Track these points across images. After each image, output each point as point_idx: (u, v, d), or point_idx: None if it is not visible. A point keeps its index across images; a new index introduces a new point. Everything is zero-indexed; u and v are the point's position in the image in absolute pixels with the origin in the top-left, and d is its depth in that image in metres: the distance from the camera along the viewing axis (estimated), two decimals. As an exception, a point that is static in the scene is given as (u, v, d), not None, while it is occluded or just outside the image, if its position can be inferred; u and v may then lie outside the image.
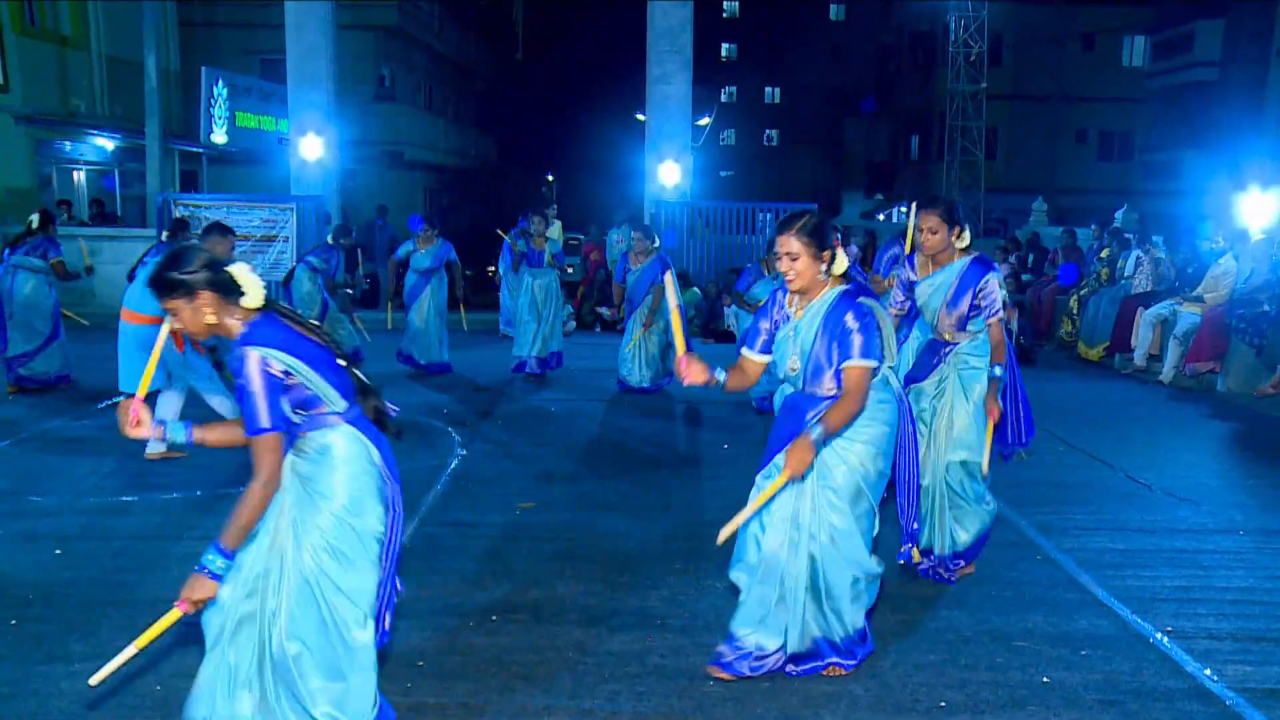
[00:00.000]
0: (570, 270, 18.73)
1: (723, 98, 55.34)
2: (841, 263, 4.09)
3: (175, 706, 3.97)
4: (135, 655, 3.39)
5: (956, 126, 33.87)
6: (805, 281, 4.09)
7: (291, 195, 17.53)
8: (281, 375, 3.20)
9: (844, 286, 4.11)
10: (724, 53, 58.11)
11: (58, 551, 5.77)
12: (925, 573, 5.42)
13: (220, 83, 22.40)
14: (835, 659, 4.24)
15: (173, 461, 7.77)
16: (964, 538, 5.38)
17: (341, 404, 3.35)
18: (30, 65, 20.93)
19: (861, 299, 4.04)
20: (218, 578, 3.25)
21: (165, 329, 3.57)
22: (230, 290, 3.26)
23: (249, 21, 26.76)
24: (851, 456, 4.12)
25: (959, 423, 5.27)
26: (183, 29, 25.75)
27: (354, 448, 3.37)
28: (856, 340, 3.95)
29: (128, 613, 4.86)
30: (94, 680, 3.33)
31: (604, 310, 16.37)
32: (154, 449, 7.73)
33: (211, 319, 3.25)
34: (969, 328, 5.28)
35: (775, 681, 4.24)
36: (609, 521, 6.46)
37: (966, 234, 5.30)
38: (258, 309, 3.27)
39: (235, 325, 3.24)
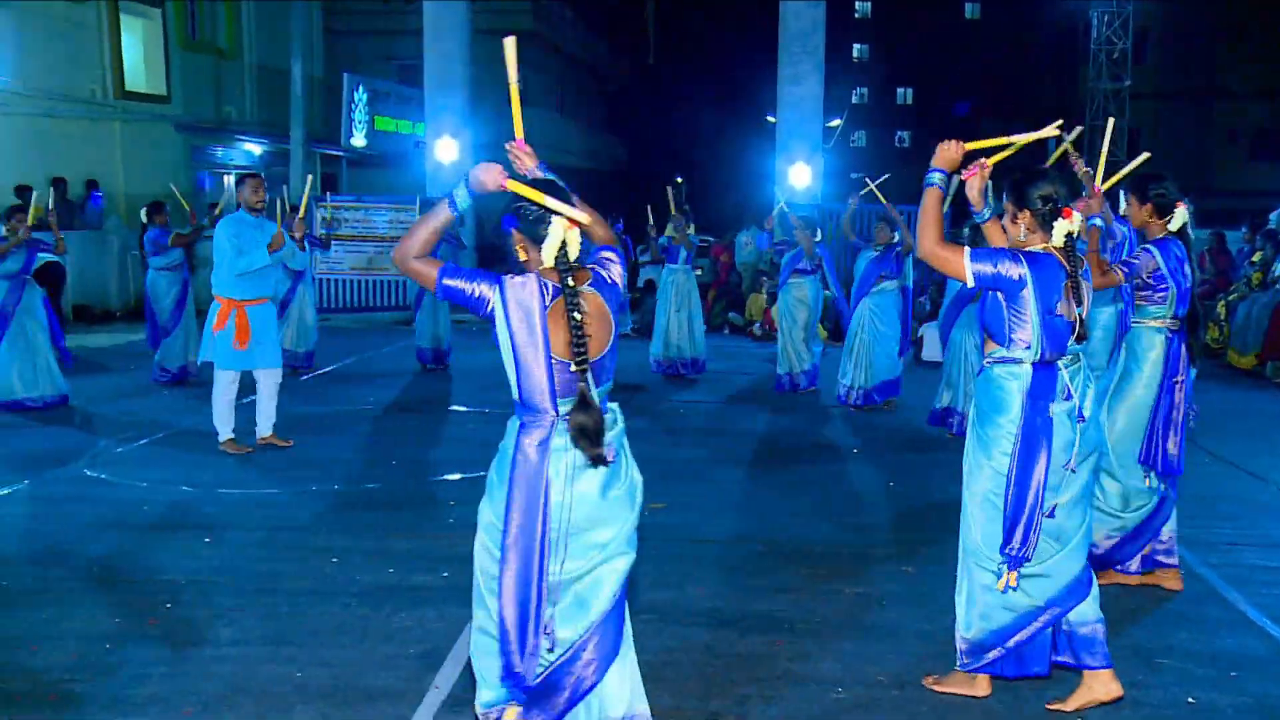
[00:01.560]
0: (699, 272, 18.75)
1: (854, 99, 54.71)
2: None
3: (319, 690, 4.12)
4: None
5: (1098, 126, 32.87)
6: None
7: (426, 196, 17.93)
8: None
9: None
10: (856, 53, 57.44)
11: (206, 540, 6.01)
12: None
13: (361, 88, 23.11)
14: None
15: (308, 456, 8.04)
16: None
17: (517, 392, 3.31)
18: (189, 76, 21.94)
19: None
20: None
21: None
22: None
23: (389, 29, 27.52)
24: None
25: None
26: (327, 37, 26.65)
27: (510, 428, 3.34)
28: None
29: (271, 601, 5.05)
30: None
31: (734, 316, 16.35)
32: (264, 433, 8.13)
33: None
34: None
35: (905, 690, 4.19)
36: (738, 524, 6.46)
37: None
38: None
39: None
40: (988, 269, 3.82)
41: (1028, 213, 3.93)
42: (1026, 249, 3.91)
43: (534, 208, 3.17)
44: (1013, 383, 3.90)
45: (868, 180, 10.32)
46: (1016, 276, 3.82)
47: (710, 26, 48.70)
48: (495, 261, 20.58)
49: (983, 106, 49.93)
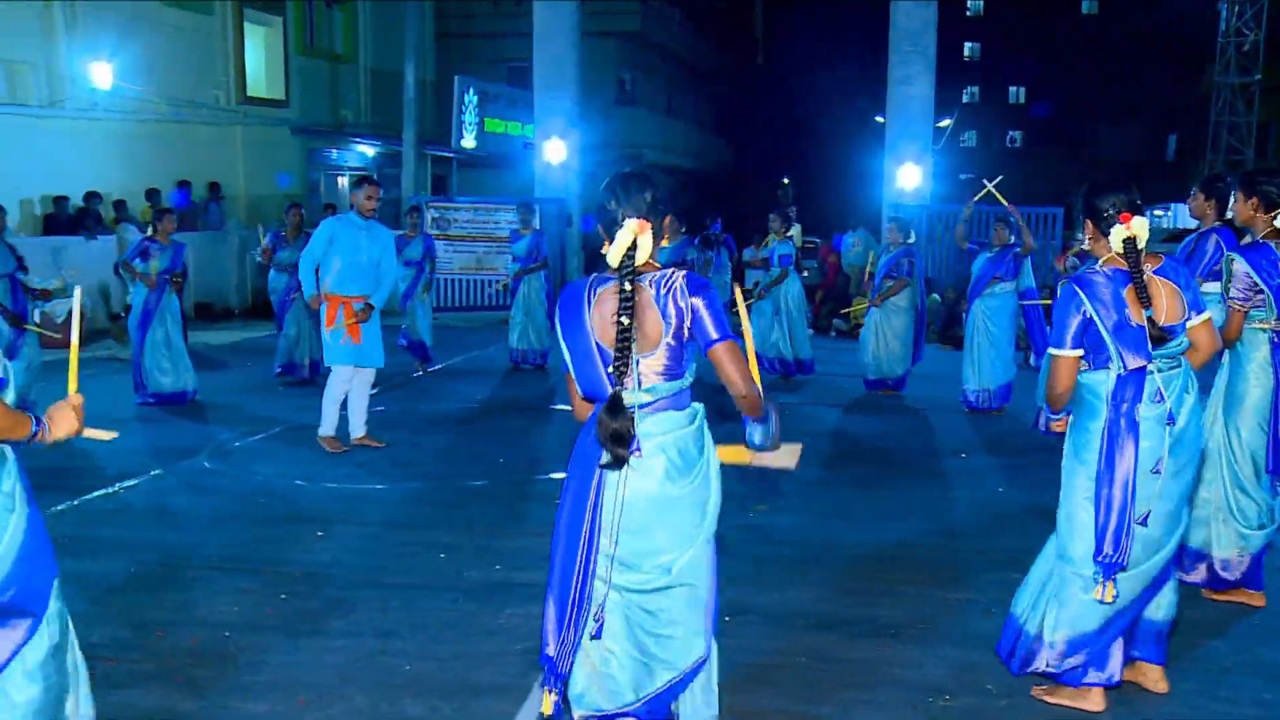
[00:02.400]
0: (806, 274, 18.65)
1: (964, 98, 53.77)
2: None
3: (427, 683, 4.21)
4: None
5: (1223, 123, 31.76)
6: None
7: (535, 197, 18.14)
8: None
9: None
10: (967, 52, 56.42)
11: (319, 534, 6.17)
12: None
13: (471, 90, 23.49)
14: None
15: (418, 452, 8.20)
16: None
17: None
18: (307, 81, 22.57)
19: None
20: None
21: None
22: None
23: (499, 31, 27.92)
24: None
25: None
26: (438, 41, 27.13)
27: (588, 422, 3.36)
28: None
29: (382, 595, 5.17)
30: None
31: (840, 322, 16.22)
32: (358, 433, 8.24)
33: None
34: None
35: (1014, 699, 4.13)
36: (843, 528, 6.42)
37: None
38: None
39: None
40: (1074, 331, 3.87)
41: (1089, 223, 3.97)
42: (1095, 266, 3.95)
43: (612, 211, 3.20)
44: (1099, 389, 3.90)
45: (985, 181, 10.15)
46: (1084, 315, 3.85)
47: (819, 27, 48.32)
48: (600, 261, 20.70)
49: (1098, 105, 48.68)
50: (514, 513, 6.66)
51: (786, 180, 46.01)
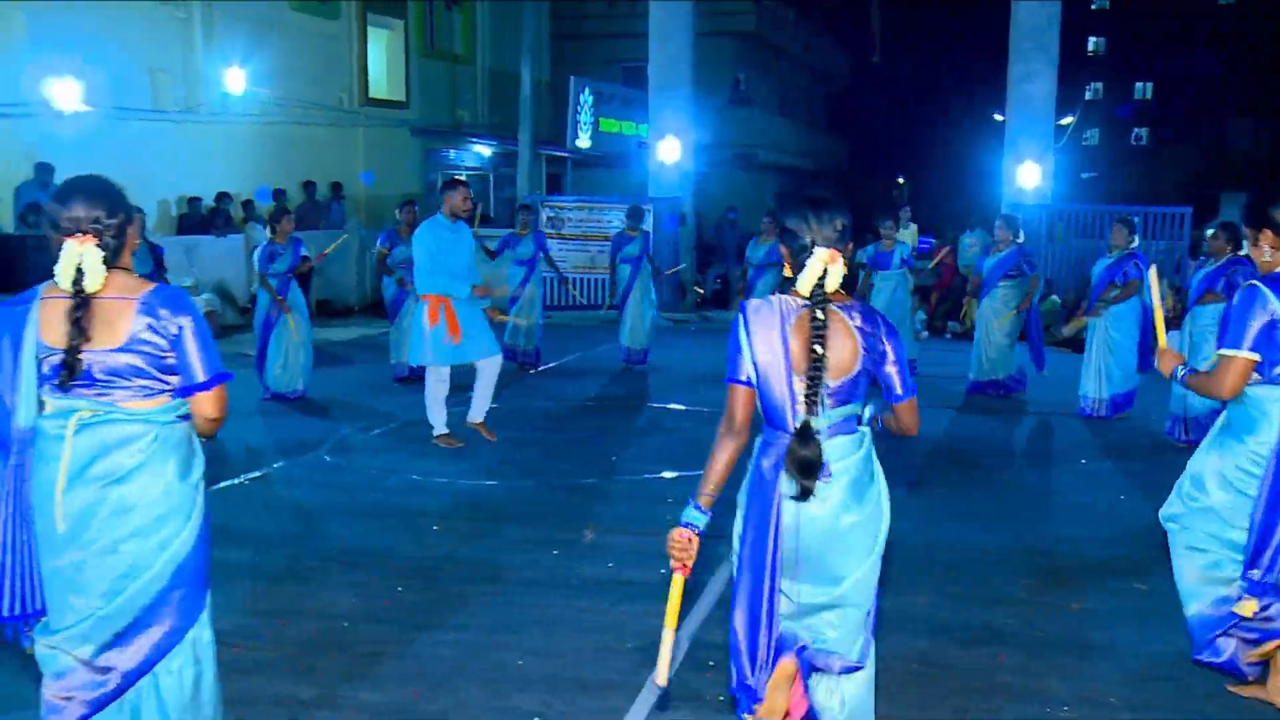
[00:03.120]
0: (922, 275, 18.40)
1: (1087, 95, 52.38)
2: None
3: (538, 678, 4.26)
4: (674, 634, 3.31)
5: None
6: None
7: (649, 197, 18.20)
8: None
9: None
10: (1091, 47, 54.97)
11: (435, 528, 6.30)
12: None
13: (586, 91, 23.68)
14: None
15: (529, 450, 8.30)
16: None
17: None
18: (427, 82, 23.03)
19: None
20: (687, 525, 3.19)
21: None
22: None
23: (614, 32, 28.09)
24: None
25: None
26: (554, 41, 27.40)
27: (757, 444, 3.30)
28: None
29: (494, 589, 5.26)
30: (660, 680, 3.27)
31: (954, 324, 15.94)
32: (477, 419, 8.32)
33: None
34: None
35: (1137, 713, 4.03)
36: (955, 531, 6.32)
37: None
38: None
39: None
40: (1255, 332, 3.77)
41: (1268, 232, 3.86)
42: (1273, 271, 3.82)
43: (801, 238, 3.16)
44: (1272, 406, 3.78)
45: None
46: (1270, 317, 3.74)
47: (938, 24, 47.62)
48: (711, 262, 20.72)
49: (1230, 101, 46.94)
50: (625, 511, 6.71)
51: (901, 180, 45.45)
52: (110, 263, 3.01)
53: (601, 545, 5.94)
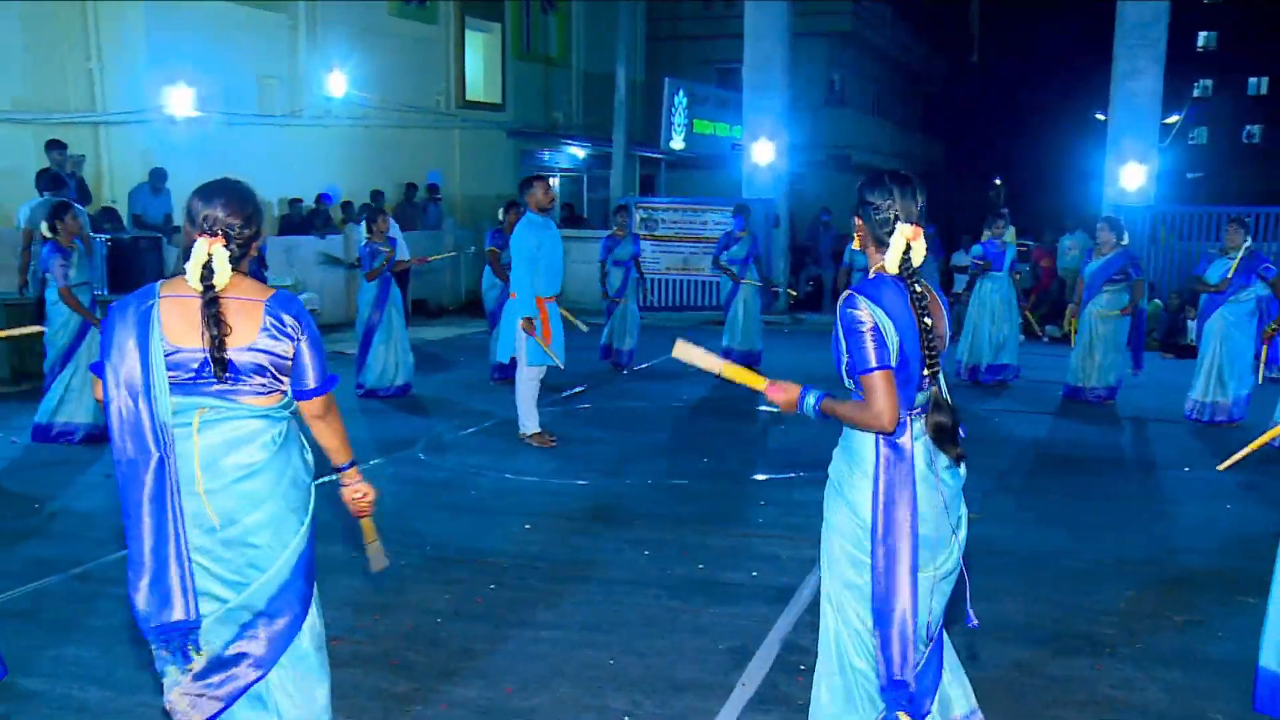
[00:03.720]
0: (1018, 277, 18.09)
1: (1195, 92, 50.93)
2: None
3: (630, 678, 4.28)
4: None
5: None
6: None
7: (742, 198, 18.14)
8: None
9: None
10: (1201, 42, 53.39)
11: (527, 526, 6.35)
12: None
13: (681, 92, 23.69)
14: None
15: (620, 450, 8.33)
16: None
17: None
18: (522, 85, 23.27)
19: None
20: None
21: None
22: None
23: (708, 33, 28.09)
24: None
25: None
26: (649, 43, 27.49)
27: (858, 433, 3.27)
28: None
29: (586, 588, 5.29)
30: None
31: (1053, 329, 15.62)
32: (528, 430, 8.38)
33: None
34: None
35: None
36: (1056, 538, 6.19)
37: None
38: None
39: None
40: None
41: None
42: None
43: (884, 212, 3.13)
44: None
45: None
46: None
47: (1039, 21, 46.70)
48: (805, 264, 20.59)
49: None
50: (718, 512, 6.69)
51: (999, 181, 44.70)
52: (234, 266, 3.09)
53: (693, 546, 5.94)
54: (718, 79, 27.66)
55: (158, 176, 13.84)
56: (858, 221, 3.22)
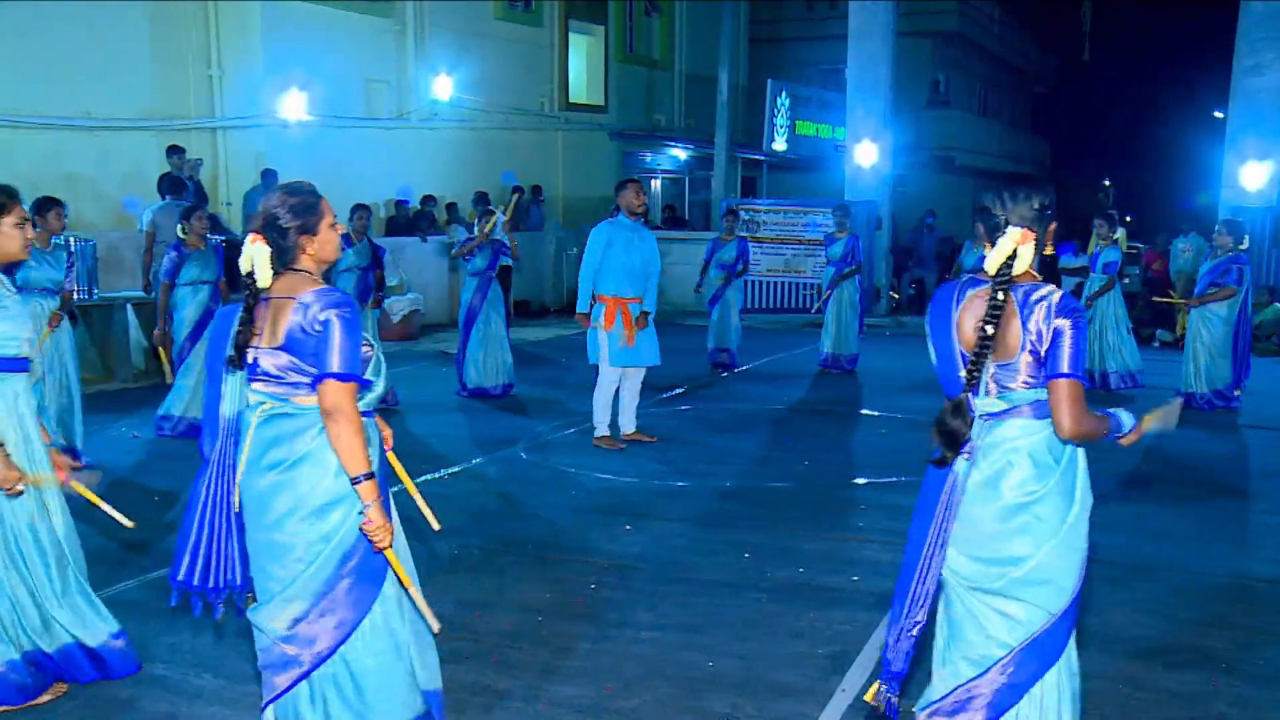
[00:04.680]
0: (1127, 280, 17.62)
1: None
2: None
3: (729, 681, 4.26)
4: None
5: None
6: None
7: (845, 200, 17.98)
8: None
9: None
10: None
11: (627, 527, 6.37)
12: None
13: (784, 93, 23.60)
14: None
15: (720, 452, 8.31)
16: None
17: None
18: (625, 87, 23.43)
19: None
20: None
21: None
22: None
23: (811, 35, 27.94)
24: None
25: None
26: (751, 45, 27.43)
27: None
28: None
29: (686, 590, 5.29)
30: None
31: (1164, 333, 15.19)
32: (629, 429, 8.48)
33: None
34: None
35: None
36: (1168, 550, 6.02)
37: None
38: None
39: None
40: None
41: None
42: None
43: (995, 216, 3.11)
44: None
45: None
46: None
47: (1155, 16, 45.40)
48: (908, 266, 20.32)
49: None
50: (818, 516, 6.65)
51: (1107, 182, 43.59)
52: (282, 264, 3.18)
53: (793, 550, 5.91)
54: (821, 80, 27.47)
55: (269, 178, 14.21)
56: (979, 227, 3.19)
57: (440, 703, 3.53)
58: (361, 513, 3.12)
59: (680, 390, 10.95)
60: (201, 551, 3.31)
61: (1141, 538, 6.23)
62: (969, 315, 3.10)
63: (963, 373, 3.07)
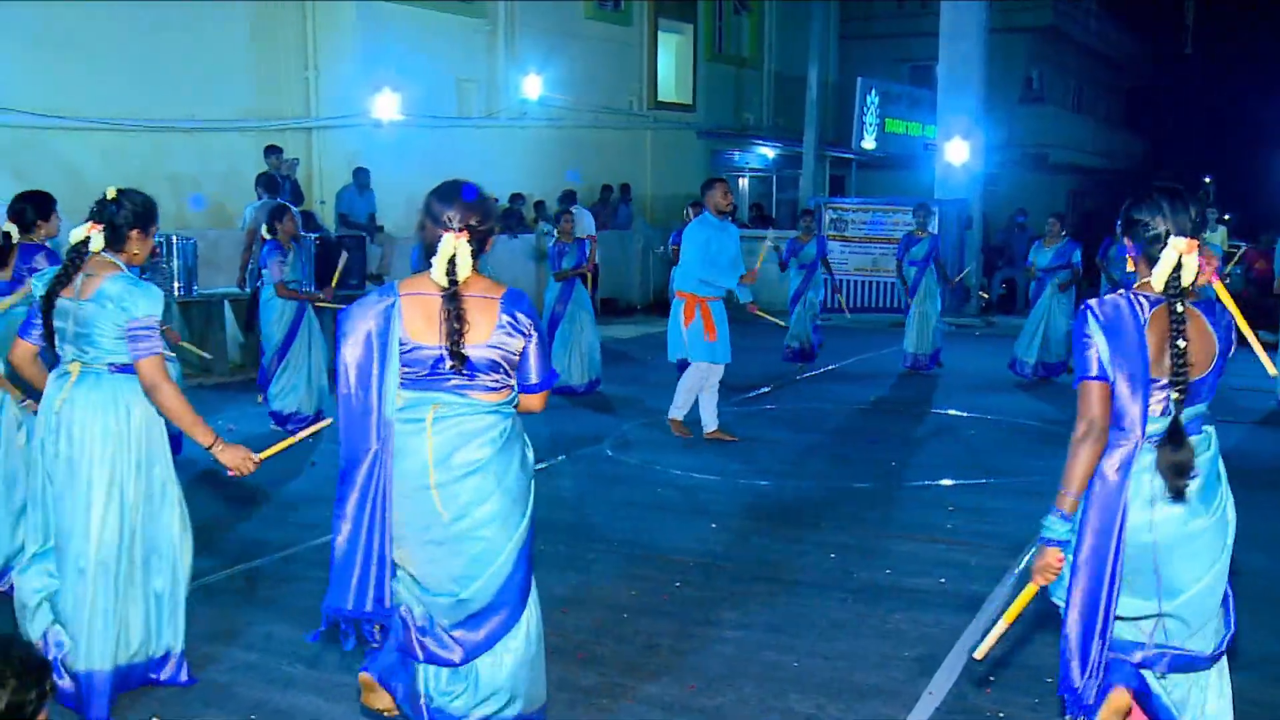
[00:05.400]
0: (1228, 280, 17.12)
1: None
2: None
3: (814, 681, 4.26)
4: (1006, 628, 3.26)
5: None
6: None
7: (935, 199, 17.77)
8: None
9: None
10: None
11: (712, 525, 6.39)
12: None
13: (873, 91, 23.38)
14: None
15: (801, 451, 8.28)
16: None
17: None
18: (713, 86, 23.43)
19: None
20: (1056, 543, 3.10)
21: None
22: None
23: (902, 32, 27.63)
24: None
25: None
26: (841, 42, 27.23)
27: None
28: None
29: (771, 589, 5.29)
30: (979, 654, 3.33)
31: (1265, 334, 14.73)
32: (710, 428, 8.48)
33: None
34: None
35: None
36: (1259, 559, 5.85)
37: None
38: None
39: None
40: None
41: None
42: None
43: (1154, 228, 3.04)
44: None
45: None
46: None
47: (1261, 7, 44.02)
48: (998, 265, 19.98)
49: None
50: (902, 517, 6.60)
51: (1208, 179, 42.39)
52: (473, 261, 3.22)
53: (879, 551, 5.87)
54: (911, 77, 27.18)
55: (361, 175, 14.46)
56: (1128, 242, 3.14)
57: None
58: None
59: (764, 390, 10.92)
60: (373, 573, 3.16)
61: (1248, 544, 6.06)
62: (1154, 333, 3.00)
63: (1171, 395, 2.97)
